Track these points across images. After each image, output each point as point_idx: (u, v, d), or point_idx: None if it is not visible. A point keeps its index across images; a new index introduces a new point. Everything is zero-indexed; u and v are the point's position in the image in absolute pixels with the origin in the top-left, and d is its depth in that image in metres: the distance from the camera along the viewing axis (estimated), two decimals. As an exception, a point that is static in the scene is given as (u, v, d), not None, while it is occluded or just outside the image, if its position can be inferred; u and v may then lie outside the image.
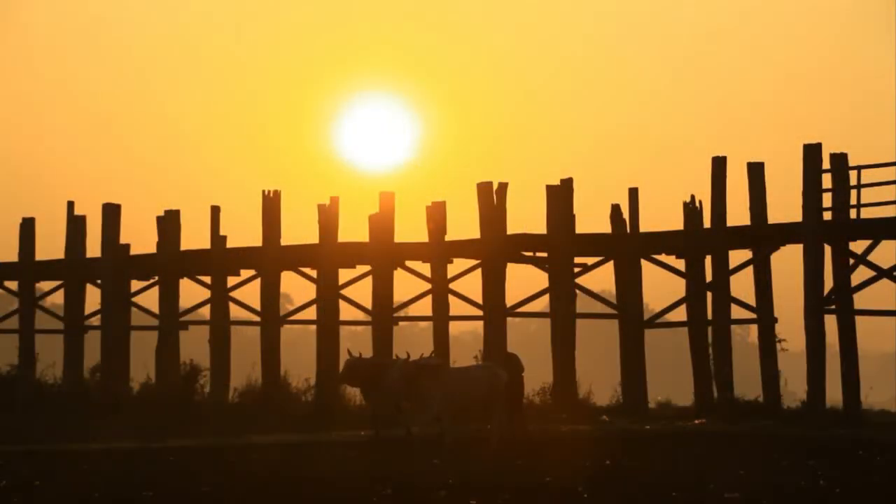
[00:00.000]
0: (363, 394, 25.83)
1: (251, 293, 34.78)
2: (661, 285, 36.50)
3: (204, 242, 34.89)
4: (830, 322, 29.94)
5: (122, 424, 28.35)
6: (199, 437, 25.25)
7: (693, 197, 31.96)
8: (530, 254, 32.83)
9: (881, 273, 30.20)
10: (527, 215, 34.78)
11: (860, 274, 30.24)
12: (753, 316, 31.47)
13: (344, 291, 33.97)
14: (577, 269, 32.47)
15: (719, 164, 31.50)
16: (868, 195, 30.13)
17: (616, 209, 32.29)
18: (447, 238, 32.95)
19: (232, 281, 34.92)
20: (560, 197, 32.05)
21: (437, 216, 32.90)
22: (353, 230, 33.94)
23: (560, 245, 31.99)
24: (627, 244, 32.04)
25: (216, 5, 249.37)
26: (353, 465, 19.55)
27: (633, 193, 32.06)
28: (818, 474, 17.70)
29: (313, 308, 34.21)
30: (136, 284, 36.36)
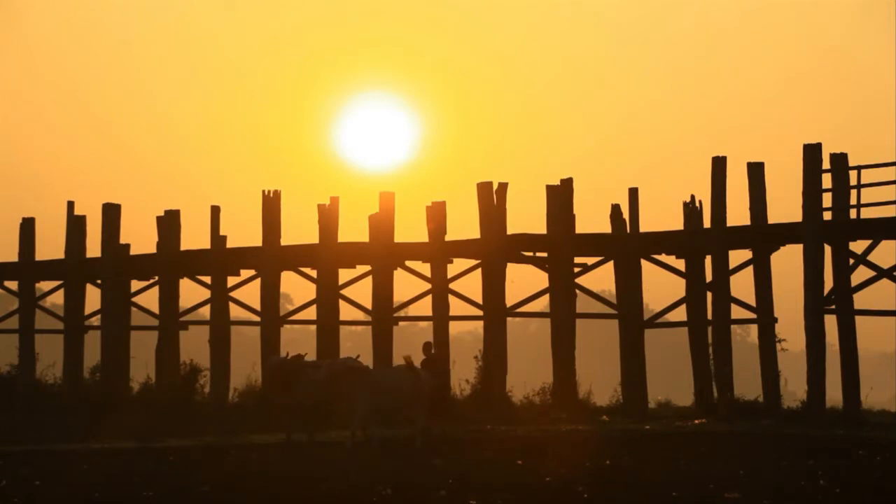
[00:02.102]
0: (282, 394, 25.42)
1: (251, 293, 34.82)
2: (661, 285, 36.56)
3: (204, 242, 34.93)
4: (830, 322, 29.95)
5: (122, 424, 28.35)
6: (199, 437, 25.25)
7: (693, 197, 31.98)
8: (530, 254, 32.84)
9: (881, 273, 30.21)
10: (527, 215, 34.84)
11: (860, 274, 30.26)
12: (753, 316, 31.47)
13: (344, 291, 33.98)
14: (577, 269, 32.48)
15: (719, 164, 31.51)
16: (868, 195, 30.17)
17: (616, 209, 32.30)
18: (447, 238, 32.95)
19: (232, 281, 34.94)
20: (560, 197, 32.07)
21: (437, 216, 32.92)
22: (353, 230, 33.98)
23: (560, 245, 32.01)
24: (627, 244, 32.05)
25: (216, 5, 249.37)
26: (352, 465, 19.54)
27: (633, 193, 32.08)
28: (818, 474, 17.70)
29: (313, 308, 34.22)
30: (136, 284, 36.37)
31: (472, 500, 14.97)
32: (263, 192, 34.10)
